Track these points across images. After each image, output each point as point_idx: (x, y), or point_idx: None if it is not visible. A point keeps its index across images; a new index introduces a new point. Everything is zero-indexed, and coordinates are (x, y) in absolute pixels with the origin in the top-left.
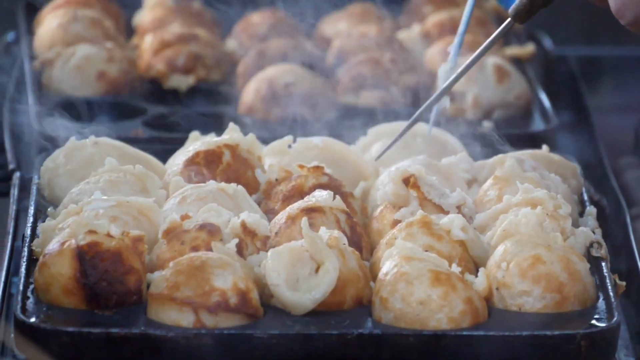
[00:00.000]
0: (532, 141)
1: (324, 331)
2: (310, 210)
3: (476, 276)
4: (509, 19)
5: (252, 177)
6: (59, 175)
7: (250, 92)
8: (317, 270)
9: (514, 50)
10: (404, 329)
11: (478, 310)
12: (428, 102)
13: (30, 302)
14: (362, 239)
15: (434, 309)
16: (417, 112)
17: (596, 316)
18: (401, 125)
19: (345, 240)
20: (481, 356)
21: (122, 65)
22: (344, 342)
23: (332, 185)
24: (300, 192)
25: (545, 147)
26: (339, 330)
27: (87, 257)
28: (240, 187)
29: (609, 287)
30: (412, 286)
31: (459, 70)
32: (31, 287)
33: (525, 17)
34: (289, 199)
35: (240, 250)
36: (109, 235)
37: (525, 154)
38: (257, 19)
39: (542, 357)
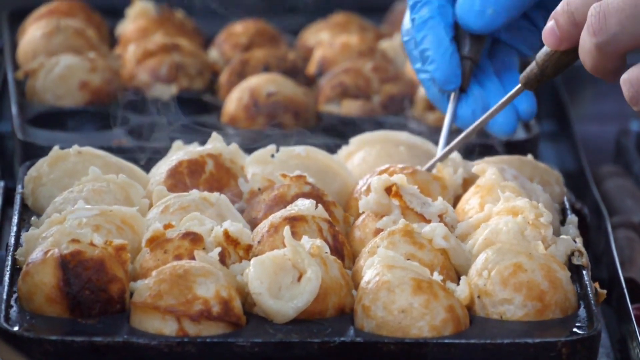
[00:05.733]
0: (513, 150)
1: (306, 339)
2: (292, 219)
3: (458, 284)
4: (519, 86)
5: (235, 186)
6: (43, 184)
7: (233, 101)
8: (299, 278)
9: None
10: (386, 337)
11: (460, 319)
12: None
13: (13, 311)
14: (344, 247)
15: (415, 317)
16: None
17: (577, 324)
18: (383, 134)
19: (327, 249)
20: None
21: (104, 75)
22: (326, 350)
23: (315, 195)
24: (283, 201)
25: (530, 156)
26: (321, 338)
27: (70, 265)
28: (223, 196)
29: (590, 295)
30: (394, 294)
31: (463, 134)
32: (14, 295)
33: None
34: (271, 207)
35: (223, 258)
36: (92, 244)
37: (514, 159)
38: (239, 29)
39: None
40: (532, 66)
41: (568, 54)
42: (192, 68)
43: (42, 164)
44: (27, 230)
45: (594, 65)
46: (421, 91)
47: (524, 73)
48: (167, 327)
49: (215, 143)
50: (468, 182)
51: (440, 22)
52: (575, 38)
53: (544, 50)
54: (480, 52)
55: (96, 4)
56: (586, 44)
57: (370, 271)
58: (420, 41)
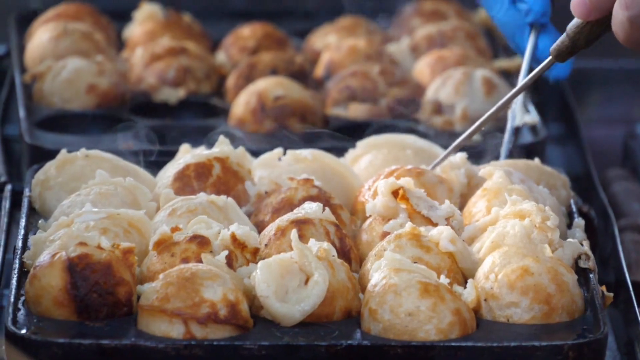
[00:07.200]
0: (520, 153)
1: (313, 342)
2: (299, 222)
3: (465, 288)
4: (550, 58)
5: (242, 189)
6: (50, 187)
7: (240, 104)
8: (306, 282)
9: (502, 62)
10: (393, 340)
11: (466, 322)
12: (463, 136)
13: (21, 314)
14: (351, 250)
15: (422, 321)
16: (445, 154)
17: (584, 327)
18: (390, 137)
19: (334, 252)
20: None
21: (112, 79)
22: (333, 353)
23: (322, 198)
24: (290, 205)
25: (537, 160)
26: (328, 341)
27: (77, 269)
28: (230, 199)
29: (597, 299)
30: (401, 297)
31: (488, 113)
32: (22, 299)
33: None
34: (278, 211)
35: (230, 262)
36: (99, 247)
37: (519, 163)
38: (247, 32)
39: None
40: (562, 38)
41: (600, 25)
42: (199, 71)
43: (50, 167)
44: (35, 234)
45: (626, 37)
46: (428, 94)
47: (555, 45)
48: (174, 330)
49: (222, 146)
50: (474, 186)
51: None
52: (605, 8)
53: (575, 21)
54: None
55: (104, 7)
56: (619, 16)
57: (377, 274)
58: None
